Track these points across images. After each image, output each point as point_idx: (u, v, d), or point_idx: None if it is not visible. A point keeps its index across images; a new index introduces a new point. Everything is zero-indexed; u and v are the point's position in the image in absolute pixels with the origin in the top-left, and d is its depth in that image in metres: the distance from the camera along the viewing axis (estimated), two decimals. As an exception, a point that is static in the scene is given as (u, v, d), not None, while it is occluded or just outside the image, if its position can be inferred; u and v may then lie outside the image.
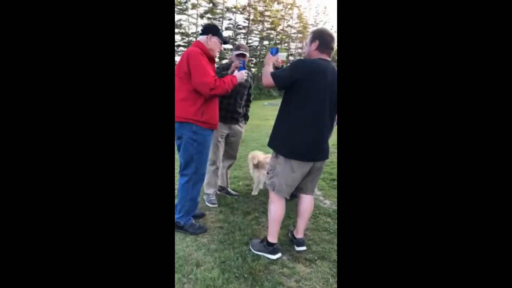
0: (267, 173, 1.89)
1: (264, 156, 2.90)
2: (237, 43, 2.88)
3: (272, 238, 1.85)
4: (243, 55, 2.46)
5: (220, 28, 2.07)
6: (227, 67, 2.40)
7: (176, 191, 2.23)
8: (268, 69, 1.77)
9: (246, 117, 2.79)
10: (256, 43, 25.50)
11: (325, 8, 43.76)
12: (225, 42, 2.04)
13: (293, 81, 1.65)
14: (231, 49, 2.71)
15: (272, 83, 1.70)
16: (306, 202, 1.94)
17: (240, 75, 2.06)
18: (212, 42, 1.96)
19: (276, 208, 1.81)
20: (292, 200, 2.60)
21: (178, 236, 2.04)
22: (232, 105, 2.55)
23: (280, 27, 26.76)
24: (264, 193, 2.94)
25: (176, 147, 2.05)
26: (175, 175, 2.38)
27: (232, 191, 2.89)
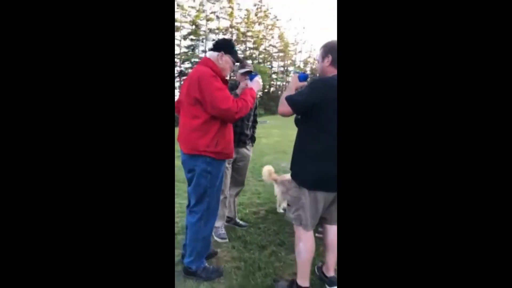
0: (288, 204, 1.66)
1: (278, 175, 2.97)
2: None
3: (304, 280, 1.60)
4: (249, 73, 2.28)
5: (234, 44, 1.85)
6: (231, 87, 2.20)
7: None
8: (286, 95, 1.57)
9: (253, 139, 2.58)
10: (239, 63, 25.78)
11: (303, 28, 45.43)
12: (238, 61, 1.83)
13: (313, 105, 1.46)
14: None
15: (288, 109, 1.50)
16: (333, 233, 1.71)
17: (257, 84, 1.84)
18: (224, 61, 1.73)
19: (306, 246, 1.57)
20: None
21: (190, 284, 1.74)
22: (239, 127, 2.34)
23: (262, 46, 27.35)
24: (275, 222, 2.69)
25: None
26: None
27: (240, 222, 2.62)
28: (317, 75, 1.74)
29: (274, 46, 29.32)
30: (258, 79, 1.88)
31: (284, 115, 1.58)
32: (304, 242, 1.57)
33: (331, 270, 1.72)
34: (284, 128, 11.28)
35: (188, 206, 1.93)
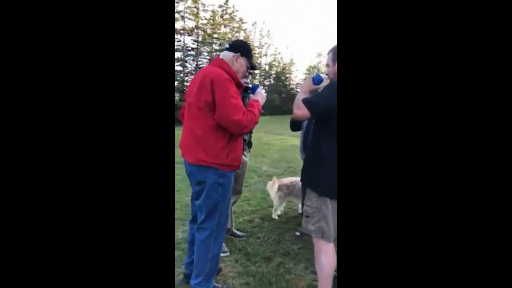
0: (307, 216, 1.56)
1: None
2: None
3: (327, 294, 1.52)
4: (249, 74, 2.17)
5: (251, 48, 1.71)
6: None
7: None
8: (301, 98, 1.49)
9: (250, 144, 2.46)
10: (206, 65, 25.46)
11: (268, 31, 46.04)
12: (252, 67, 1.69)
13: (332, 109, 1.40)
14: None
15: (305, 113, 1.41)
16: None
17: (262, 97, 1.72)
18: (238, 64, 1.59)
19: (329, 259, 1.49)
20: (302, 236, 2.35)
21: (201, 308, 1.57)
22: (238, 133, 2.21)
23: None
24: (273, 230, 2.60)
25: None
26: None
27: (238, 232, 2.49)
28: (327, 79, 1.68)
29: (240, 49, 29.33)
30: (261, 90, 1.78)
31: (300, 118, 1.50)
32: (327, 255, 1.49)
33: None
34: (254, 131, 11.26)
35: (191, 221, 1.77)
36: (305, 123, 2.48)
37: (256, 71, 32.17)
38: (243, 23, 28.74)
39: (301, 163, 5.76)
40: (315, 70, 32.74)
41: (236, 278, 1.86)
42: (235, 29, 28.24)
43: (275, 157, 6.21)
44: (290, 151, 7.29)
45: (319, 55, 34.30)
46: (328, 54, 1.59)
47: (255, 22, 35.49)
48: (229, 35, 27.51)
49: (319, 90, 1.58)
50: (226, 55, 1.60)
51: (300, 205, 2.94)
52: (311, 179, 1.54)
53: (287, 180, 2.79)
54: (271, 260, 2.09)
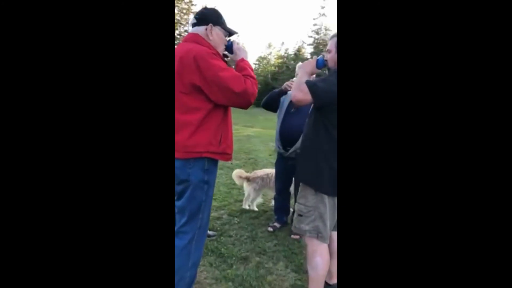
0: (300, 215, 1.45)
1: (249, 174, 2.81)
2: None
3: (319, 296, 1.44)
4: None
5: (221, 14, 1.42)
6: None
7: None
8: (303, 80, 1.34)
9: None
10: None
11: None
12: (230, 34, 1.44)
13: (336, 97, 1.29)
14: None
15: (307, 97, 1.27)
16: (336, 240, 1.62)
17: (244, 52, 1.45)
18: (215, 35, 1.34)
19: (323, 260, 1.41)
20: (282, 228, 2.27)
21: (180, 325, 1.35)
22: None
23: (177, 31, 25.66)
24: (244, 227, 2.46)
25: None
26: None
27: (208, 231, 2.28)
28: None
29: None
30: (239, 46, 1.46)
31: (300, 102, 1.33)
32: (321, 255, 1.41)
33: (334, 277, 1.62)
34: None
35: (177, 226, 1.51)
36: (284, 109, 2.33)
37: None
38: (192, 5, 27.26)
39: (261, 155, 5.67)
40: (265, 61, 32.94)
41: (213, 285, 1.68)
42: (184, 11, 26.70)
43: (234, 148, 6.03)
44: (246, 142, 7.19)
45: (270, 46, 34.49)
46: (331, 39, 1.46)
47: (205, 6, 33.94)
48: (177, 17, 25.94)
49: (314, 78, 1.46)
50: (200, 30, 1.34)
51: (272, 200, 2.86)
52: (308, 174, 1.42)
53: (261, 172, 2.68)
54: (248, 260, 1.95)
